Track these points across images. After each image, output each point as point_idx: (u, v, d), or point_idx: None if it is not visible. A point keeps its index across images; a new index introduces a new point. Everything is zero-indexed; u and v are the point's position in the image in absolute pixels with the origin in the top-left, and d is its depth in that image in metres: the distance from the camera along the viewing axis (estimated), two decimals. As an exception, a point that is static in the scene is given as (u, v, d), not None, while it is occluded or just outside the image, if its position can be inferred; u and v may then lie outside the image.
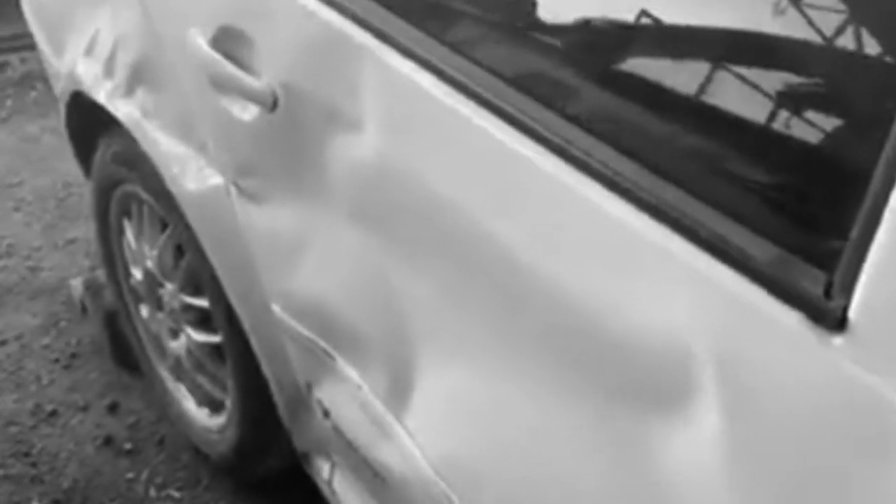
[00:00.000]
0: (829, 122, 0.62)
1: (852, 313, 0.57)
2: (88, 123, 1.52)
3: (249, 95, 1.07)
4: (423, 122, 0.87)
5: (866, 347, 0.56)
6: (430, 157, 0.87)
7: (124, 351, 1.82)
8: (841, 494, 0.57)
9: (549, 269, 0.75)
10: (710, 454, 0.64)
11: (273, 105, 1.04)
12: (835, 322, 0.57)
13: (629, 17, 0.76)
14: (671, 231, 0.65)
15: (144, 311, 1.66)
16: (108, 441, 1.73)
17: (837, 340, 0.57)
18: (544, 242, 0.76)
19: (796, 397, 0.59)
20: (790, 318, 0.59)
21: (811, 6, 0.64)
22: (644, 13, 0.75)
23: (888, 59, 0.58)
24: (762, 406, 0.61)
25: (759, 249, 0.61)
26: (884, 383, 0.55)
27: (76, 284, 1.99)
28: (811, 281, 0.59)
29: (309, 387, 1.20)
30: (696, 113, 0.70)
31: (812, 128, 0.63)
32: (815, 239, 0.60)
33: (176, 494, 1.65)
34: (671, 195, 0.66)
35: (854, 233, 0.56)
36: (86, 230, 2.16)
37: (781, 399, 0.60)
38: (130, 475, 1.68)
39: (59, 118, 1.67)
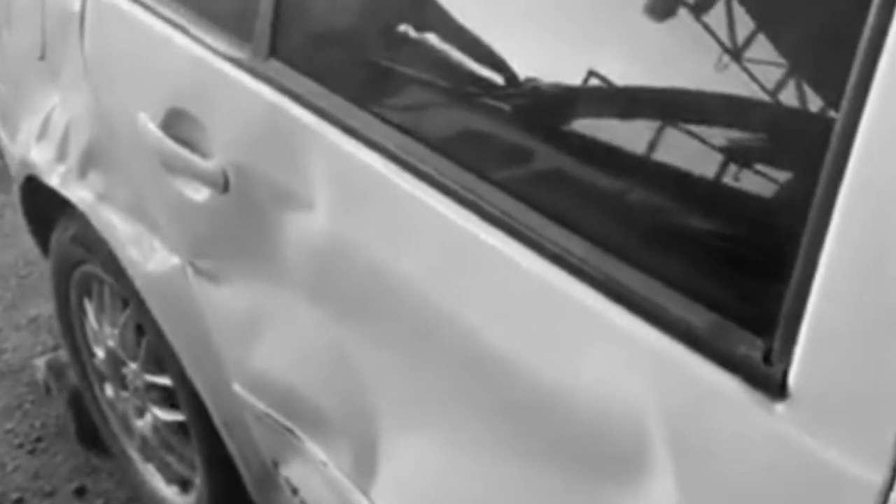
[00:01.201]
0: (765, 191, 0.64)
1: (792, 379, 0.57)
2: (45, 205, 1.52)
3: (201, 177, 1.07)
4: (369, 198, 0.88)
5: (807, 413, 0.57)
6: (377, 232, 0.87)
7: (90, 432, 1.78)
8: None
9: (500, 343, 0.76)
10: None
11: (224, 186, 1.04)
12: (775, 388, 0.58)
13: (576, 79, 0.77)
14: (618, 305, 0.66)
15: (109, 390, 1.64)
16: (77, 527, 1.69)
17: (779, 407, 0.58)
18: (495, 316, 0.77)
19: (742, 462, 0.60)
20: (732, 385, 0.60)
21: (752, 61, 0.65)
22: (592, 73, 0.76)
23: (818, 129, 0.60)
24: (711, 472, 0.62)
25: (699, 318, 0.62)
26: (824, 448, 0.56)
27: (39, 364, 1.95)
28: (751, 348, 0.60)
29: (275, 464, 1.18)
30: (640, 184, 0.71)
31: (747, 197, 0.65)
32: (753, 307, 0.61)
33: (147, 575, 1.61)
34: (615, 268, 0.67)
35: (789, 300, 0.58)
36: (48, 308, 2.13)
37: (728, 464, 0.61)
38: (100, 562, 1.64)
39: (16, 197, 1.67)
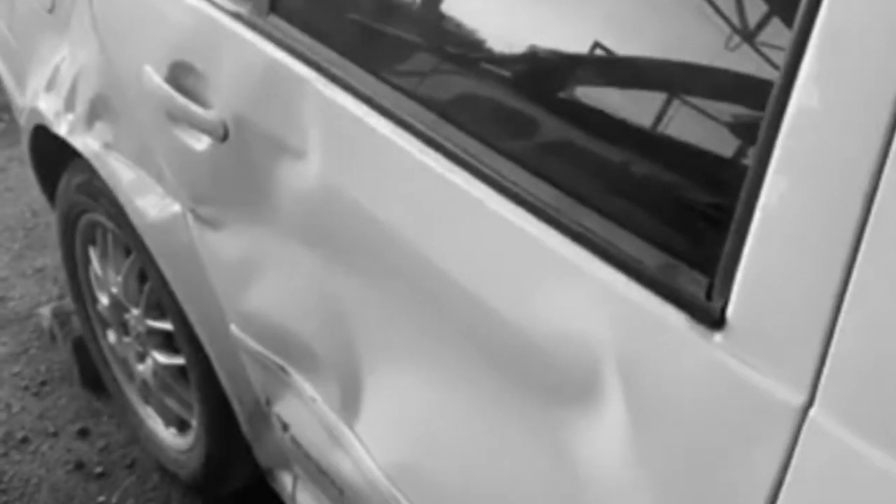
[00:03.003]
0: (709, 138, 0.69)
1: (730, 313, 0.64)
2: (52, 155, 1.57)
3: (201, 126, 1.13)
4: (358, 149, 0.94)
5: (741, 342, 0.63)
6: (364, 181, 0.93)
7: (93, 376, 1.86)
8: (721, 474, 0.64)
9: (471, 281, 0.82)
10: (616, 444, 0.70)
11: (224, 135, 1.10)
12: (715, 320, 0.64)
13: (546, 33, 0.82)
14: (578, 245, 0.72)
15: (111, 336, 1.71)
16: (79, 466, 1.76)
17: (717, 337, 0.64)
18: (467, 257, 0.83)
19: (684, 389, 0.66)
20: (677, 319, 0.66)
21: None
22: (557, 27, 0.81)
23: (759, 86, 0.65)
24: (657, 399, 0.68)
25: (651, 258, 0.68)
26: (756, 375, 0.62)
27: (45, 313, 2.02)
28: (695, 285, 0.66)
29: (268, 402, 1.25)
30: (595, 130, 0.77)
31: (693, 144, 0.70)
32: (698, 248, 0.67)
33: (147, 515, 1.69)
34: (576, 211, 0.73)
35: (729, 239, 0.64)
36: (53, 258, 2.20)
37: (672, 392, 0.67)
38: (102, 498, 1.71)
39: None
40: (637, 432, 0.69)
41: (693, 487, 0.66)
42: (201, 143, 1.14)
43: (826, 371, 0.59)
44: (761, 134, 0.61)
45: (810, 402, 0.60)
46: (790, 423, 0.60)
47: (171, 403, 1.61)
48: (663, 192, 0.72)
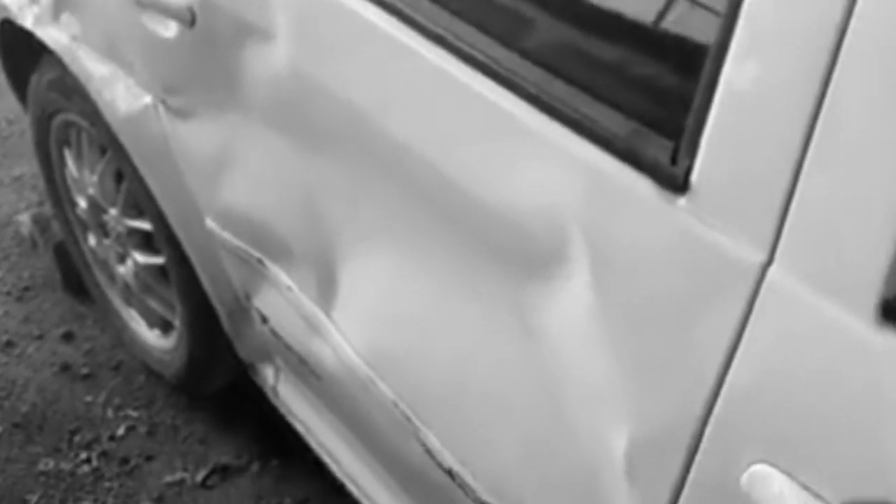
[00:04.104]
0: (675, 6, 0.68)
1: (694, 176, 0.64)
2: (21, 53, 1.54)
3: (169, 12, 1.10)
4: (328, 29, 0.92)
5: (705, 205, 0.63)
6: (337, 62, 0.92)
7: (76, 281, 1.86)
8: (683, 333, 0.65)
9: (439, 157, 0.82)
10: (583, 310, 0.72)
11: (191, 21, 1.07)
12: (679, 184, 0.64)
13: None
14: (546, 115, 0.72)
15: (91, 238, 1.70)
16: (65, 367, 1.78)
17: (682, 200, 0.64)
18: (435, 133, 0.82)
19: (649, 253, 0.67)
20: (643, 185, 0.66)
21: None
22: None
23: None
24: (622, 264, 0.69)
25: (616, 124, 0.68)
26: (718, 236, 0.63)
27: (24, 220, 2.01)
28: (660, 150, 0.66)
29: (247, 296, 1.26)
30: (567, 6, 0.75)
31: (659, 10, 0.69)
32: (663, 112, 0.67)
33: (133, 414, 1.72)
34: (544, 81, 0.72)
35: (694, 105, 0.63)
36: (31, 166, 2.16)
37: (637, 256, 0.68)
38: (88, 398, 1.74)
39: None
40: (602, 298, 0.70)
41: (656, 348, 0.68)
42: (169, 29, 1.11)
43: (785, 230, 0.60)
44: (726, 4, 0.60)
45: (770, 261, 0.61)
46: (750, 281, 0.61)
47: (154, 304, 1.62)
48: (629, 60, 0.71)
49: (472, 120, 0.78)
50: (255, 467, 1.64)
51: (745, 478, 0.62)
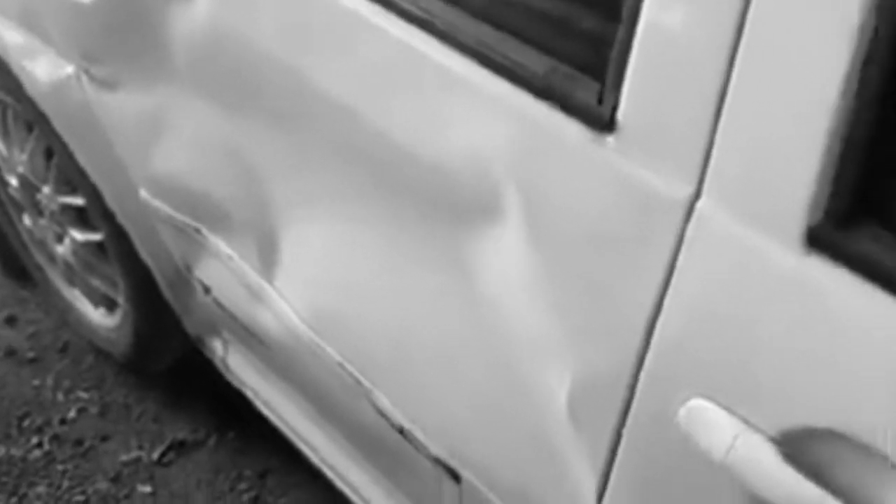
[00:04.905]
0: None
1: (620, 115, 0.63)
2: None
3: (84, -24, 1.05)
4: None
5: (632, 143, 0.63)
6: (256, 18, 0.89)
7: (15, 264, 1.81)
8: (617, 270, 0.65)
9: (367, 110, 0.80)
10: (520, 259, 0.71)
11: (108, -17, 1.03)
12: (606, 124, 0.63)
13: None
14: (473, 61, 0.70)
15: (27, 219, 1.65)
16: (11, 353, 1.74)
17: (609, 139, 0.64)
18: (363, 85, 0.80)
19: (580, 194, 0.66)
20: (571, 127, 0.65)
21: None
22: None
23: None
24: (554, 208, 0.68)
25: (541, 66, 0.67)
26: (647, 172, 0.62)
27: (-43, 204, 1.94)
28: (587, 91, 0.65)
29: (188, 268, 1.24)
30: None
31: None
32: (588, 53, 0.66)
33: (84, 395, 1.69)
34: (474, 27, 0.70)
35: (616, 44, 0.62)
36: (-40, 149, 2.08)
37: (569, 199, 0.67)
38: (36, 382, 1.70)
39: None
40: (537, 245, 0.69)
41: (590, 290, 0.67)
42: (86, -6, 1.07)
43: (711, 164, 0.59)
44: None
45: (697, 195, 0.60)
46: (679, 215, 0.61)
47: (96, 282, 1.58)
48: (553, 1, 0.69)
49: (398, 70, 0.76)
50: (212, 441, 1.63)
51: (682, 413, 0.62)
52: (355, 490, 1.16)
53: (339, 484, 1.21)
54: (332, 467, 1.21)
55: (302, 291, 1.00)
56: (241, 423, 1.59)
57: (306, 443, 1.24)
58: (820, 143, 0.54)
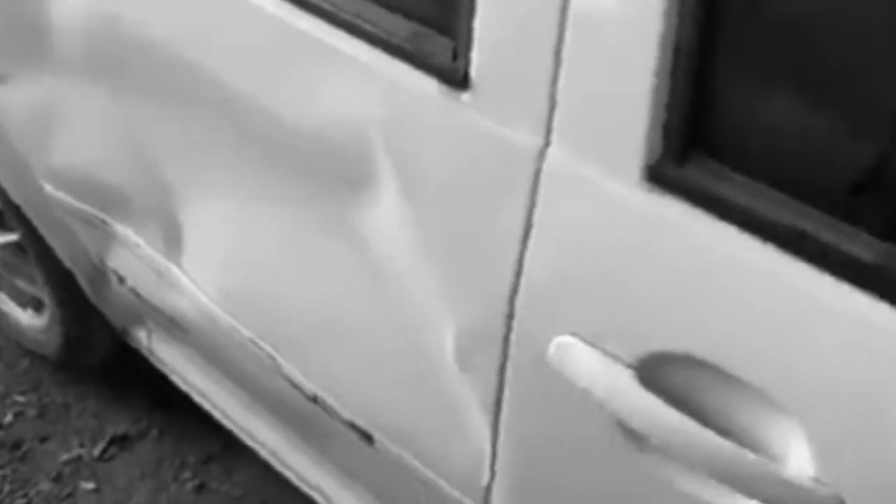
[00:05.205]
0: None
1: (473, 72, 0.65)
2: None
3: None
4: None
5: (486, 99, 0.65)
6: (138, 2, 0.89)
7: (-62, 272, 1.78)
8: (481, 224, 0.67)
9: (252, 89, 0.81)
10: (398, 218, 0.73)
11: (-16, -23, 1.02)
12: (461, 81, 0.65)
13: None
14: (341, 30, 0.71)
15: (-57, 226, 1.63)
16: (-59, 362, 1.72)
17: (465, 96, 0.66)
18: (238, 61, 0.81)
19: (443, 152, 0.68)
20: (429, 86, 0.67)
21: None
22: None
23: None
24: (421, 167, 0.70)
25: (398, 27, 0.69)
26: (500, 126, 0.64)
27: None
28: (443, 50, 0.67)
29: (101, 259, 1.23)
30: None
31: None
32: (441, 11, 0.68)
33: (21, 399, 1.68)
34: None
35: (463, 3, 0.64)
36: None
37: (433, 157, 0.69)
38: (-30, 390, 1.69)
39: None
40: (411, 203, 0.71)
41: (461, 243, 0.70)
42: (-37, -11, 1.05)
43: (557, 113, 0.62)
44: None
45: (547, 143, 0.63)
46: (532, 165, 0.63)
47: (21, 284, 1.57)
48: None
49: (275, 46, 0.77)
50: (154, 432, 1.63)
51: (551, 351, 0.65)
52: (294, 471, 1.18)
53: (276, 466, 1.22)
54: (267, 448, 1.22)
55: (209, 273, 1.01)
56: (182, 410, 1.59)
57: (238, 425, 1.26)
58: (649, 86, 0.56)
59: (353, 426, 0.93)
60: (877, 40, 0.49)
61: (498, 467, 0.78)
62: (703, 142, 0.57)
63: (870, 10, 0.49)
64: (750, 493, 0.59)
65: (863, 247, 0.52)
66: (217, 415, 1.30)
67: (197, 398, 1.31)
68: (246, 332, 1.00)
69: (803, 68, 0.53)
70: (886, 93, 0.50)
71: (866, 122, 0.51)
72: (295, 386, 0.98)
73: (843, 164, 0.53)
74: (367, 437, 0.92)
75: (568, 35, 0.59)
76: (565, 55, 0.59)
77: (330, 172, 0.79)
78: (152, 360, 1.38)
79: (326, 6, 0.71)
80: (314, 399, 0.96)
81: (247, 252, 0.95)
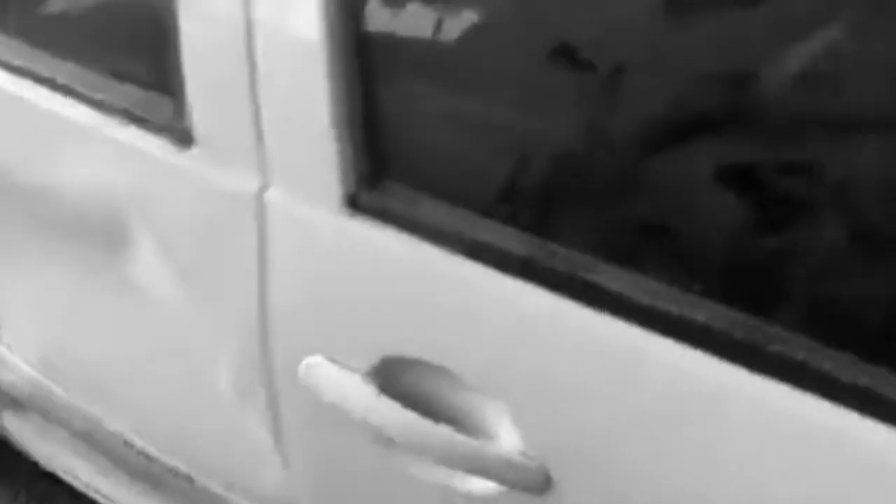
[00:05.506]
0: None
1: (196, 129, 0.71)
2: None
3: None
4: None
5: (209, 153, 0.71)
6: None
7: None
8: (229, 265, 0.73)
9: (24, 171, 0.85)
10: (157, 267, 0.79)
11: None
12: (188, 139, 0.72)
13: None
14: (69, 99, 0.77)
15: None
16: None
17: (193, 151, 0.72)
18: (10, 148, 0.86)
19: (180, 204, 0.74)
20: (161, 147, 0.73)
21: None
22: None
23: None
24: (166, 223, 0.76)
25: (129, 94, 0.75)
26: (224, 175, 0.71)
27: None
28: (169, 112, 0.73)
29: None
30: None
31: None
32: (162, 76, 0.74)
33: None
34: (61, 68, 0.78)
35: (175, 66, 0.70)
36: None
37: (173, 210, 0.75)
38: None
39: None
40: (163, 253, 0.77)
41: (209, 283, 0.76)
42: None
43: (268, 157, 0.68)
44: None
45: (266, 185, 0.69)
46: (255, 207, 0.70)
47: None
48: (132, 35, 0.77)
49: (32, 127, 0.83)
50: (31, 507, 1.61)
51: (301, 372, 0.71)
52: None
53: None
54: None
55: (22, 340, 1.04)
56: (57, 481, 1.57)
57: (93, 488, 1.27)
58: (330, 122, 0.64)
59: (175, 472, 0.96)
60: (495, 79, 0.57)
61: (298, 488, 0.83)
62: (389, 169, 0.65)
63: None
64: (478, 473, 0.66)
65: (515, 242, 0.59)
66: (77, 484, 1.30)
67: (54, 469, 1.32)
68: (62, 393, 1.03)
69: (450, 104, 0.61)
70: (516, 121, 0.58)
71: (503, 144, 0.60)
72: (126, 443, 1.01)
73: (492, 177, 0.61)
74: (188, 479, 0.96)
75: (259, 85, 0.66)
76: (261, 104, 0.66)
77: (101, 237, 0.84)
78: (9, 438, 1.37)
79: (61, 80, 0.77)
80: (144, 453, 1.00)
81: (52, 318, 0.99)
